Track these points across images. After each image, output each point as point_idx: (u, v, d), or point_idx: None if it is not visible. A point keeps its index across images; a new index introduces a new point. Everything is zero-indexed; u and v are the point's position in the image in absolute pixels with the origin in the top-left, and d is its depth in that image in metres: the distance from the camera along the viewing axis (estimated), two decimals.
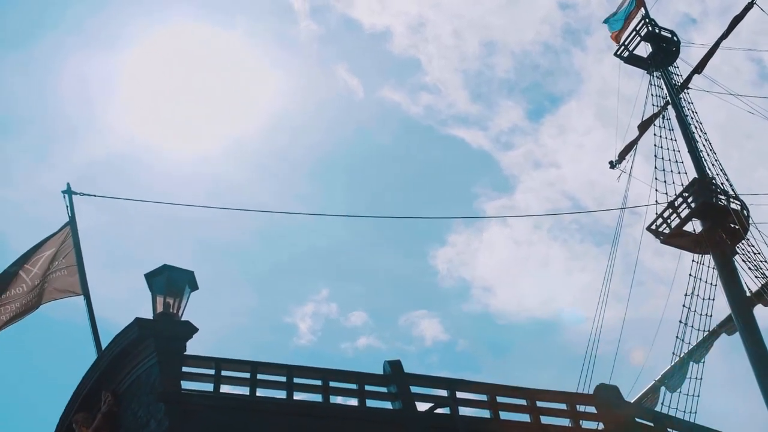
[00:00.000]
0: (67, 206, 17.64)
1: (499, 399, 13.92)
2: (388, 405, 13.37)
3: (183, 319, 13.32)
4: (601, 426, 14.45)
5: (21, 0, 52.27)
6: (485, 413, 13.78)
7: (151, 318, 13.14)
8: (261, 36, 60.97)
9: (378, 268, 54.08)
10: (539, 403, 14.09)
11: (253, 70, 57.49)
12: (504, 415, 13.76)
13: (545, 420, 14.02)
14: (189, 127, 56.05)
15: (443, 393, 13.72)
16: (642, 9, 32.73)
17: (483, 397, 13.96)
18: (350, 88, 57.78)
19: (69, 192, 17.65)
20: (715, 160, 28.79)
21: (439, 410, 13.52)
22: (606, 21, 33.55)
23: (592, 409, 14.55)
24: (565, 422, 14.47)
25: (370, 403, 13.27)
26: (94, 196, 18.06)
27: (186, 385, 12.48)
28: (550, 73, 62.09)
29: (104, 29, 55.74)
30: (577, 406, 14.45)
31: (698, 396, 24.41)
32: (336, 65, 59.20)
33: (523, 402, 14.06)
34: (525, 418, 13.95)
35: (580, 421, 14.25)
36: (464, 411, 13.65)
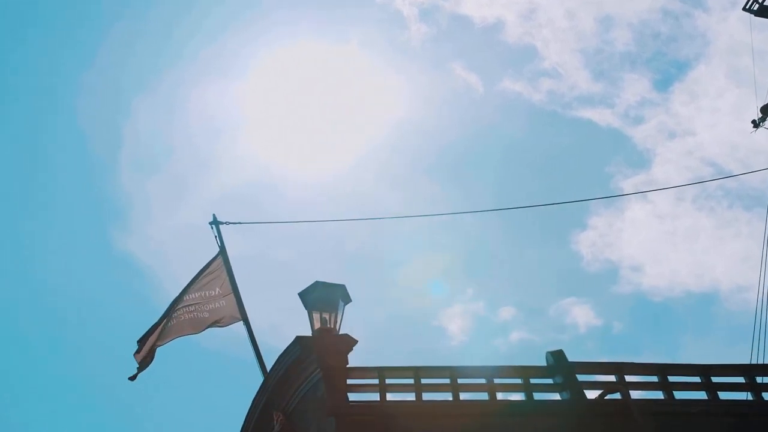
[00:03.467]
0: (215, 236, 18.08)
1: (671, 378, 13.44)
2: (555, 396, 13.14)
3: (341, 332, 13.51)
4: None
5: (138, 43, 54.57)
6: (658, 395, 13.34)
7: (311, 335, 13.40)
8: (375, 45, 61.49)
9: (521, 261, 53.37)
10: (714, 379, 13.51)
11: (371, 80, 57.92)
12: (678, 395, 13.27)
13: (723, 396, 13.42)
14: (316, 145, 57.05)
15: (611, 378, 13.38)
16: None
17: (654, 378, 13.49)
18: (469, 85, 57.40)
19: (216, 222, 18.14)
20: None
21: (609, 396, 13.18)
22: None
23: None
24: (743, 396, 13.85)
25: (537, 396, 13.08)
26: (240, 223, 18.51)
27: (352, 396, 12.66)
28: (673, 40, 59.72)
29: (219, 59, 57.40)
30: (756, 378, 13.77)
31: None
32: (452, 64, 58.96)
33: (697, 379, 13.52)
34: (701, 395, 13.39)
35: (762, 393, 13.57)
36: (635, 394, 13.26)
